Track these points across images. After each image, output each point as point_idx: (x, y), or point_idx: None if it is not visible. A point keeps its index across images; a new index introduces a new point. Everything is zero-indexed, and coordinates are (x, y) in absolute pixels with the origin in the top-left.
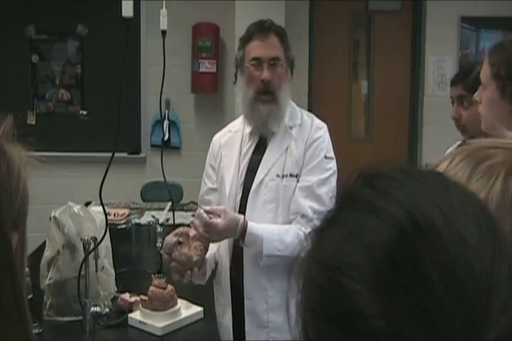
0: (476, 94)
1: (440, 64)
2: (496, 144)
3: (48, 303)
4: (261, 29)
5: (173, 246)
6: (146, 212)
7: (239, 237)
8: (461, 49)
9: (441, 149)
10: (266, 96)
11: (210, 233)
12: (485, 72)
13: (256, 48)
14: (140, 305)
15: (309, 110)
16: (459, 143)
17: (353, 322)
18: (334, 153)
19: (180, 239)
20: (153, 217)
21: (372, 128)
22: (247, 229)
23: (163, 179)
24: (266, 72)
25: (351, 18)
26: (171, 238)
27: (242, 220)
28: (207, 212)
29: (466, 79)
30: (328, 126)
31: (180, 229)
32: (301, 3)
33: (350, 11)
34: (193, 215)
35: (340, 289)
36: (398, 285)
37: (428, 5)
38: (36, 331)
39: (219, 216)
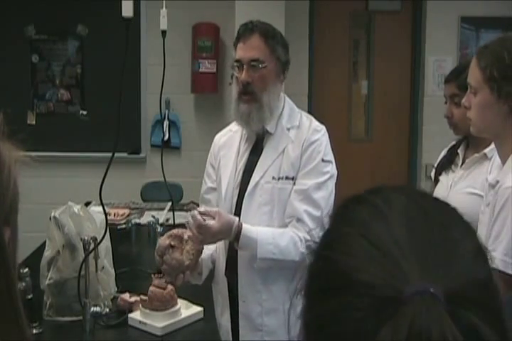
0: (464, 99)
1: (440, 64)
2: None
3: (47, 303)
4: (244, 30)
5: (165, 250)
6: (146, 212)
7: (233, 240)
8: (461, 49)
9: (441, 149)
10: (246, 96)
11: (204, 235)
12: (475, 77)
13: (239, 50)
14: (140, 305)
15: (309, 110)
16: (453, 143)
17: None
18: (334, 154)
19: (173, 243)
20: (153, 217)
21: (372, 128)
22: (242, 231)
23: (163, 179)
24: (244, 74)
25: (351, 18)
26: (163, 240)
27: (236, 222)
28: (201, 213)
29: (459, 78)
30: (328, 127)
31: (174, 231)
32: (301, 3)
33: (350, 11)
34: (190, 213)
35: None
36: None
37: (428, 5)
38: (36, 331)
39: (213, 218)
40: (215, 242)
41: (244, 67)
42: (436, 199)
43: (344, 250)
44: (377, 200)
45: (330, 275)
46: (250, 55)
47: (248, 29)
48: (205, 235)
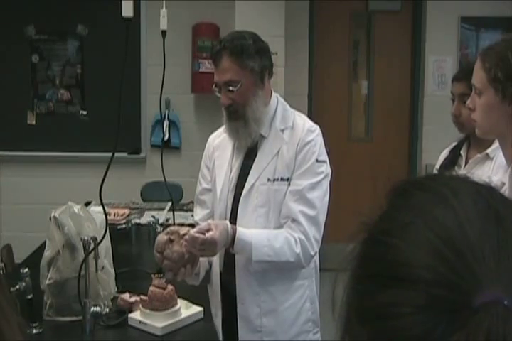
0: (468, 101)
1: (440, 64)
2: None
3: (47, 303)
4: (215, 54)
5: (165, 245)
6: (146, 212)
7: (229, 244)
8: (461, 49)
9: (441, 149)
10: (231, 115)
11: (210, 248)
12: (479, 78)
13: (214, 73)
14: (140, 305)
15: (309, 110)
16: (454, 144)
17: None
18: (329, 155)
19: (172, 237)
20: (153, 217)
21: (372, 128)
22: (236, 235)
23: (163, 179)
24: (223, 98)
25: (351, 18)
26: (162, 237)
27: (230, 225)
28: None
29: (471, 77)
30: (328, 127)
31: (171, 228)
32: (301, 3)
33: (350, 11)
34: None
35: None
36: None
37: (428, 5)
38: (36, 331)
39: (207, 231)
40: (217, 252)
41: (222, 90)
42: (502, 195)
43: (406, 239)
44: (442, 188)
45: (389, 264)
46: (224, 79)
47: (217, 52)
48: (211, 247)
